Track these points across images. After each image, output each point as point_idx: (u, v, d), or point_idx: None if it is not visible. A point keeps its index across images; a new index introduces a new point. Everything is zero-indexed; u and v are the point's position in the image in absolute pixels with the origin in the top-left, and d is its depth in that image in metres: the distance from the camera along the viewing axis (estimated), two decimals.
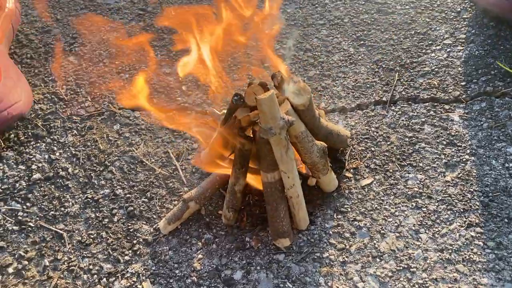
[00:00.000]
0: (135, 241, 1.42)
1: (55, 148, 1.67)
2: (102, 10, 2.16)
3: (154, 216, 1.46)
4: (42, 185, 1.58)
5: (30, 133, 1.72)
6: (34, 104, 1.80)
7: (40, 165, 1.63)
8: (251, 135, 1.24)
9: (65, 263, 1.40)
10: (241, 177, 1.28)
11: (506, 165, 1.42)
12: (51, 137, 1.71)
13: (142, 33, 2.03)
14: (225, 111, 1.56)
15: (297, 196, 1.27)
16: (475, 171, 1.43)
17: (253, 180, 1.37)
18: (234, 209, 1.35)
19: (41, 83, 1.88)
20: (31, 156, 1.66)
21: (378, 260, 1.29)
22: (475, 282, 1.22)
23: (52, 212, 1.51)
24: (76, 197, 1.54)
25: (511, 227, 1.30)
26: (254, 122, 1.15)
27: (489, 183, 1.39)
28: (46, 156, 1.65)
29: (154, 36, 2.01)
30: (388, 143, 1.54)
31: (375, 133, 1.57)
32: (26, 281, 1.36)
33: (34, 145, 1.68)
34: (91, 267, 1.38)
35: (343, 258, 1.31)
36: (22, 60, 1.98)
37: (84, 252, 1.41)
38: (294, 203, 1.28)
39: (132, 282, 1.33)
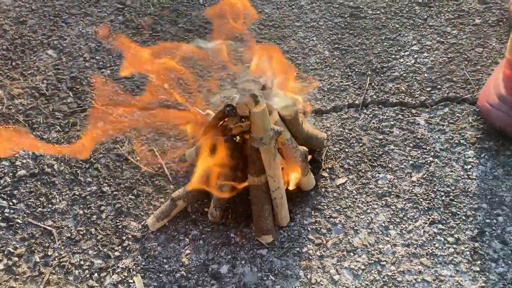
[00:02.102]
0: (124, 237, 1.49)
1: (39, 145, 1.69)
2: (79, 2, 2.15)
3: (142, 213, 1.53)
4: (28, 181, 1.61)
5: (11, 129, 1.73)
6: (14, 98, 1.80)
7: (24, 161, 1.65)
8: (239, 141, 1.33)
9: (56, 259, 1.45)
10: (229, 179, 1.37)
11: (465, 167, 1.59)
12: (34, 133, 1.72)
13: (122, 29, 2.05)
14: (209, 111, 1.64)
15: (281, 197, 1.38)
16: (438, 172, 1.58)
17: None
18: (220, 208, 1.44)
19: (20, 76, 1.88)
20: (15, 152, 1.67)
21: (352, 254, 1.43)
22: (436, 274, 1.37)
23: (39, 209, 1.55)
24: (63, 193, 1.58)
25: (468, 224, 1.46)
26: (245, 131, 1.24)
27: (450, 184, 1.55)
28: (30, 152, 1.67)
29: (134, 31, 2.03)
30: (361, 144, 1.67)
31: (348, 134, 1.69)
32: (17, 277, 1.41)
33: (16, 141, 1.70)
34: (82, 262, 1.44)
35: (321, 252, 1.43)
36: None
37: (74, 248, 1.47)
38: (278, 203, 1.39)
39: (123, 277, 1.41)
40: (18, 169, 1.62)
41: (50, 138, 1.70)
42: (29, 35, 2.02)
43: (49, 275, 1.41)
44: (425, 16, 2.07)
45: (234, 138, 1.30)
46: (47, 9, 2.12)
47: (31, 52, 1.96)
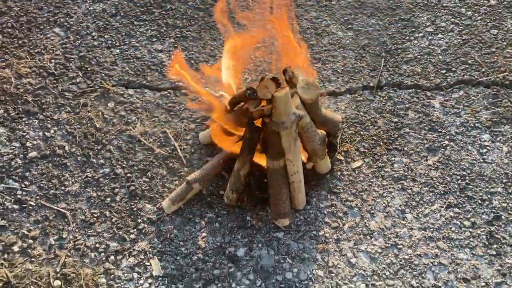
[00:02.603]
0: (139, 220, 1.48)
1: (49, 125, 1.66)
2: None
3: (157, 196, 1.52)
4: (39, 163, 1.58)
5: (20, 109, 1.69)
6: (22, 77, 1.76)
7: (35, 142, 1.63)
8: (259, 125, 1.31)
9: (71, 241, 1.44)
10: (247, 163, 1.35)
11: (481, 150, 1.58)
12: (44, 113, 1.69)
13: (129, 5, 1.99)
14: (222, 92, 1.61)
15: (299, 181, 1.37)
16: (454, 156, 1.57)
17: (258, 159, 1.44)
18: (237, 191, 1.43)
19: (27, 55, 1.83)
20: (25, 133, 1.64)
21: (368, 237, 1.43)
22: (453, 257, 1.38)
23: (52, 191, 1.53)
24: (75, 175, 1.56)
25: (484, 208, 1.46)
26: (266, 115, 1.22)
27: (466, 167, 1.55)
28: (41, 134, 1.65)
29: (143, 10, 1.98)
30: (376, 127, 1.65)
31: (363, 117, 1.68)
32: (33, 259, 1.40)
33: (26, 122, 1.67)
34: (97, 245, 1.43)
35: (337, 235, 1.43)
36: (3, 30, 1.91)
37: (89, 231, 1.46)
38: (295, 187, 1.38)
39: (139, 260, 1.40)
40: (29, 151, 1.60)
41: (61, 119, 1.67)
42: (34, 12, 1.97)
43: (65, 258, 1.40)
44: None
45: (254, 122, 1.28)
46: None
47: (38, 30, 1.91)
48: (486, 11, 1.97)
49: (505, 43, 1.85)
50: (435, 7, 2.00)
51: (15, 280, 1.35)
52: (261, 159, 1.44)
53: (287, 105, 1.14)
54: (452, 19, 1.95)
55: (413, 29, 1.92)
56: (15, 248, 1.42)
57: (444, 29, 1.92)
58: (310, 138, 1.33)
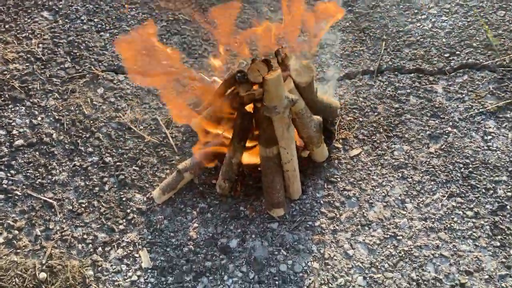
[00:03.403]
0: (128, 210, 1.42)
1: (36, 112, 1.60)
2: None
3: (147, 185, 1.46)
4: (26, 151, 1.53)
5: (7, 95, 1.63)
6: (8, 63, 1.70)
7: (21, 130, 1.57)
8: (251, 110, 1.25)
9: (58, 232, 1.39)
10: (239, 150, 1.29)
11: (485, 137, 1.51)
12: (31, 100, 1.63)
13: None
14: (215, 77, 1.55)
15: (293, 170, 1.30)
16: (456, 143, 1.50)
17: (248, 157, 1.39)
18: (229, 180, 1.37)
19: (14, 40, 1.77)
20: (11, 121, 1.58)
21: (366, 228, 1.37)
22: (455, 249, 1.32)
23: (39, 180, 1.48)
24: (63, 164, 1.51)
25: (487, 198, 1.40)
26: (257, 99, 1.15)
27: (469, 155, 1.48)
28: (27, 121, 1.59)
29: None
30: (376, 113, 1.58)
31: (363, 103, 1.61)
32: (18, 250, 1.35)
33: (12, 109, 1.61)
34: (85, 236, 1.38)
35: (334, 226, 1.37)
36: None
37: (77, 222, 1.41)
38: (290, 176, 1.32)
39: (128, 251, 1.35)
40: (15, 139, 1.54)
41: (48, 106, 1.61)
42: None
43: (51, 249, 1.35)
44: None
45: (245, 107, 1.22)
46: None
47: (25, 14, 1.84)
48: None
49: None
50: None
51: None
52: (251, 158, 1.38)
53: (279, 88, 1.07)
54: (457, 1, 1.86)
55: (415, 11, 1.84)
56: (0, 239, 1.37)
57: (448, 10, 1.83)
58: (305, 124, 1.27)
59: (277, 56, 1.17)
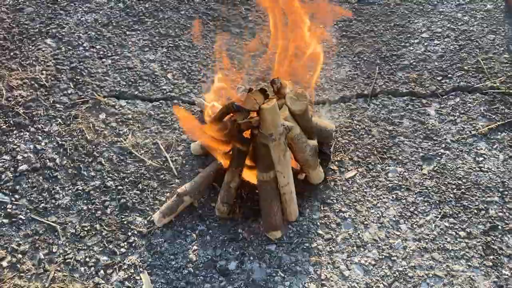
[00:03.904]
0: (130, 233, 1.46)
1: (40, 138, 1.65)
2: None
3: (147, 208, 1.50)
4: (30, 176, 1.57)
5: (11, 122, 1.68)
6: (13, 90, 1.75)
7: (25, 155, 1.61)
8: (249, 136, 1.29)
9: (61, 255, 1.42)
10: (237, 175, 1.33)
11: (477, 159, 1.55)
12: (35, 126, 1.68)
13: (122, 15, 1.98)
14: (214, 102, 1.60)
15: (290, 193, 1.34)
16: (449, 164, 1.55)
17: (248, 176, 1.43)
18: (228, 204, 1.41)
19: (19, 67, 1.83)
20: (15, 146, 1.63)
21: (362, 249, 1.40)
22: (448, 269, 1.35)
23: (42, 204, 1.52)
24: (66, 188, 1.55)
25: (480, 218, 1.43)
26: (254, 126, 1.20)
27: (461, 176, 1.52)
28: (31, 146, 1.63)
29: (135, 19, 1.97)
30: (370, 136, 1.63)
31: (357, 126, 1.65)
32: (22, 274, 1.39)
33: (17, 134, 1.65)
34: (87, 259, 1.41)
35: (330, 247, 1.41)
36: None
37: (79, 245, 1.44)
38: (287, 199, 1.36)
39: (129, 274, 1.38)
40: (20, 164, 1.59)
41: (52, 131, 1.65)
42: (26, 24, 1.96)
43: (54, 272, 1.38)
44: (435, 2, 2.01)
45: (243, 133, 1.26)
46: None
47: (29, 41, 1.90)
48: (483, 16, 1.94)
49: (502, 48, 1.82)
50: (431, 12, 1.97)
51: None
52: (250, 176, 1.41)
53: (275, 117, 1.12)
54: (448, 25, 1.92)
55: (408, 35, 1.90)
56: (4, 263, 1.40)
57: (440, 34, 1.89)
58: (300, 149, 1.31)
59: (273, 85, 1.22)
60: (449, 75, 1.76)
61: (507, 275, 1.32)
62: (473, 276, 1.33)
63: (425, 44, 1.86)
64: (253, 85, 1.45)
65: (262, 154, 1.24)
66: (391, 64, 1.81)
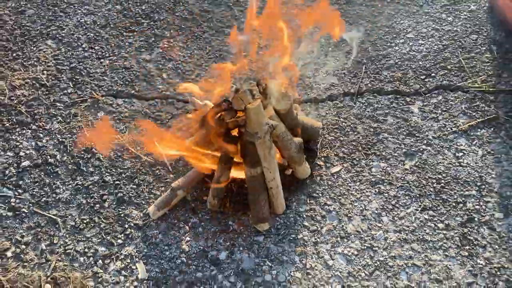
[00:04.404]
0: (126, 226, 1.54)
1: (41, 135, 1.73)
2: None
3: (143, 202, 1.59)
4: (32, 172, 1.66)
5: (14, 120, 1.77)
6: (15, 89, 1.84)
7: (28, 152, 1.70)
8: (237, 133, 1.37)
9: (62, 246, 1.51)
10: (226, 171, 1.41)
11: (457, 154, 1.63)
12: (36, 124, 1.76)
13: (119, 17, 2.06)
14: (207, 101, 1.67)
15: (276, 187, 1.43)
16: (430, 160, 1.62)
17: (236, 173, 1.51)
18: (218, 197, 1.49)
19: (21, 67, 1.91)
20: (18, 143, 1.72)
21: (345, 240, 1.48)
22: (426, 258, 1.43)
23: (44, 198, 1.60)
24: (66, 183, 1.64)
25: (458, 211, 1.51)
26: (241, 125, 1.28)
27: (441, 171, 1.60)
28: (33, 143, 1.72)
29: (132, 21, 2.05)
30: (355, 133, 1.71)
31: (343, 123, 1.73)
32: (25, 264, 1.47)
33: (19, 132, 1.74)
34: (86, 250, 1.50)
35: (315, 238, 1.49)
36: None
37: (79, 236, 1.53)
38: (273, 192, 1.44)
39: (126, 264, 1.47)
40: (22, 160, 1.67)
41: (52, 129, 1.74)
42: (28, 26, 2.04)
43: (56, 262, 1.47)
44: (421, 3, 2.08)
45: (231, 131, 1.34)
46: None
47: (31, 42, 1.98)
48: (466, 17, 2.01)
49: (484, 48, 1.90)
50: (417, 13, 2.05)
51: (8, 284, 1.43)
52: (239, 172, 1.50)
53: (260, 116, 1.20)
54: (433, 25, 1.99)
55: (394, 36, 1.97)
56: (9, 254, 1.49)
57: (425, 35, 1.97)
58: (285, 146, 1.39)
59: (258, 86, 1.30)
60: (433, 74, 1.83)
61: (482, 264, 1.40)
62: (450, 265, 1.41)
63: (410, 44, 1.94)
64: (243, 85, 1.53)
65: (249, 151, 1.32)
66: (377, 63, 1.89)
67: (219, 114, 1.36)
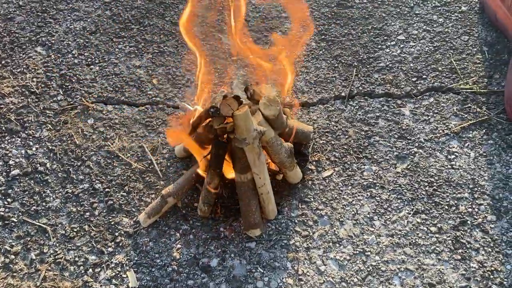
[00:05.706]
0: (117, 233, 1.53)
1: (31, 143, 1.72)
2: None
3: (134, 209, 1.57)
4: (22, 180, 1.64)
5: (3, 128, 1.75)
6: (4, 97, 1.82)
7: (17, 160, 1.69)
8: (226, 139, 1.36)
9: (51, 256, 1.50)
10: (216, 177, 1.40)
11: (449, 157, 1.62)
12: (26, 132, 1.75)
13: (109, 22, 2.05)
14: (197, 106, 1.67)
15: (267, 192, 1.42)
16: (422, 163, 1.62)
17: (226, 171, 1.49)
18: (209, 204, 1.48)
19: (10, 75, 1.90)
20: (7, 152, 1.70)
21: (337, 245, 1.47)
22: (419, 263, 1.42)
23: (34, 207, 1.59)
24: (56, 191, 1.62)
25: (450, 214, 1.50)
26: (229, 131, 1.27)
27: (433, 174, 1.59)
28: (23, 151, 1.70)
29: (122, 26, 2.04)
30: (346, 136, 1.70)
31: (335, 127, 1.72)
32: (14, 274, 1.46)
33: (9, 140, 1.73)
34: (76, 259, 1.49)
35: (307, 244, 1.48)
36: None
37: (69, 245, 1.51)
38: (264, 198, 1.43)
39: (116, 272, 1.46)
40: (12, 169, 1.66)
41: (42, 137, 1.72)
42: (17, 32, 2.03)
43: (45, 272, 1.46)
44: (412, 4, 2.08)
45: (220, 137, 1.33)
46: (35, 5, 2.12)
47: (20, 50, 1.97)
48: (457, 18, 2.01)
49: (475, 49, 1.89)
50: (408, 15, 2.04)
51: None
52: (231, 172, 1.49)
53: (247, 122, 1.19)
54: (424, 27, 1.99)
55: (385, 38, 1.96)
56: None
57: (416, 36, 1.96)
58: (275, 151, 1.38)
59: (246, 92, 1.29)
60: (424, 76, 1.83)
61: (475, 267, 1.40)
62: (443, 269, 1.40)
63: (401, 46, 1.93)
64: (231, 92, 1.52)
65: (238, 157, 1.31)
66: (368, 66, 1.88)
67: (207, 121, 1.36)
